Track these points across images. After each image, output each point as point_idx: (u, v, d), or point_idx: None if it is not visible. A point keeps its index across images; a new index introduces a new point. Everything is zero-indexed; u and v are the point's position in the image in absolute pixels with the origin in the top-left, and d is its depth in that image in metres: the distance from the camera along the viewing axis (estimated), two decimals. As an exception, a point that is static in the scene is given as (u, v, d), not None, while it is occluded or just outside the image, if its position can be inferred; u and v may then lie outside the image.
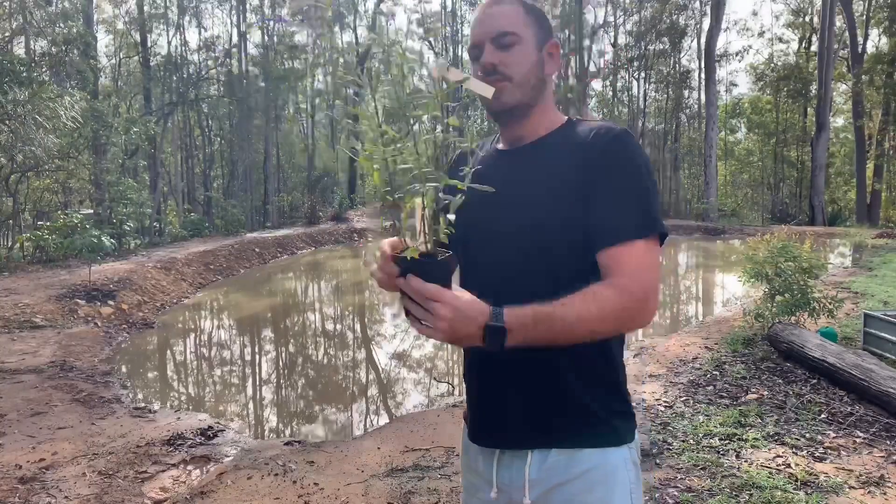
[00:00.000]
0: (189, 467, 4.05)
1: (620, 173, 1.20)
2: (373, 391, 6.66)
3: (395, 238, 1.14)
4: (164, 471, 3.95)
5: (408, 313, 1.07)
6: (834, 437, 3.89)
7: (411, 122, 1.08)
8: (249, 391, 6.69)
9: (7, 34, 14.65)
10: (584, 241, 1.20)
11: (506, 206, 1.27)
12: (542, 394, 1.24)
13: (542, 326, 1.08)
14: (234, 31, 25.57)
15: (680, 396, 4.80)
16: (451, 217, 1.08)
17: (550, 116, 1.33)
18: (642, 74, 31.59)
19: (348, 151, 1.12)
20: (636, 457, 1.28)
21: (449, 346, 8.41)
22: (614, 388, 1.27)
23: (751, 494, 3.17)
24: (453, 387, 6.30)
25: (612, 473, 1.23)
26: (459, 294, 1.05)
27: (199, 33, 39.03)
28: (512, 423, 1.27)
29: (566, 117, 1.34)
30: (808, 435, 3.94)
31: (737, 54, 51.85)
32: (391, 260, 1.07)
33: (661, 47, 30.40)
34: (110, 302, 8.97)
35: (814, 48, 28.85)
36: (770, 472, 3.41)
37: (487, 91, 1.18)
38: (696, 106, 32.23)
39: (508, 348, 1.07)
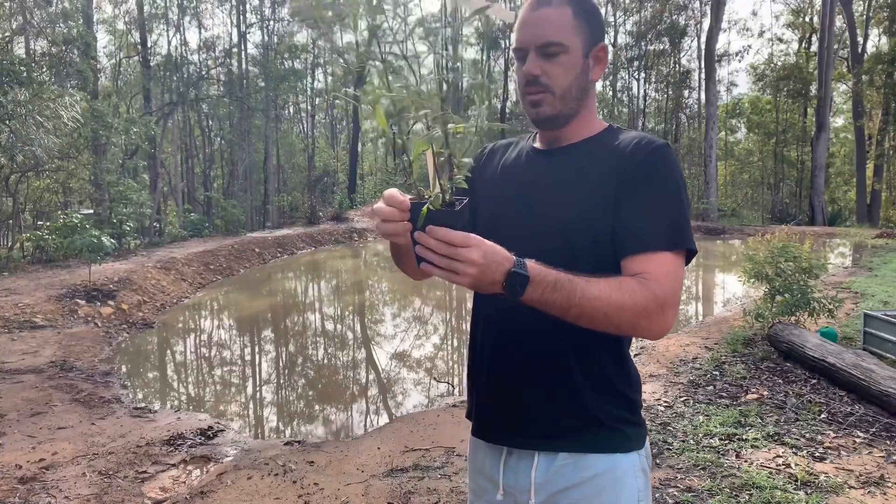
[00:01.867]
0: (189, 467, 4.05)
1: (657, 184, 1.20)
2: (373, 391, 6.66)
3: (395, 189, 1.10)
4: (164, 471, 3.95)
5: (419, 260, 1.04)
6: (834, 437, 3.89)
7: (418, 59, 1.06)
8: (249, 391, 6.69)
9: (7, 34, 14.65)
10: (608, 246, 1.21)
11: (535, 204, 1.27)
12: (551, 397, 1.24)
13: (562, 291, 1.07)
14: (234, 31, 25.59)
15: (680, 396, 4.80)
16: (467, 160, 1.05)
17: (591, 122, 1.32)
18: (642, 74, 31.61)
19: (348, 99, 1.07)
20: (645, 464, 1.27)
21: (449, 345, 8.41)
22: (625, 399, 1.26)
23: (751, 494, 3.17)
24: (453, 387, 6.30)
25: (619, 479, 1.22)
26: (483, 239, 1.04)
27: (200, 33, 39.09)
28: (520, 423, 1.27)
29: (607, 124, 1.33)
30: (808, 435, 3.94)
31: (737, 54, 52.05)
32: (406, 210, 1.04)
33: (661, 47, 30.44)
34: (110, 302, 8.97)
35: (814, 48, 28.86)
36: (770, 472, 3.41)
37: (509, 16, 1.20)
38: (696, 106, 32.25)
39: (524, 302, 1.06)
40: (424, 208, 1.01)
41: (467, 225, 1.04)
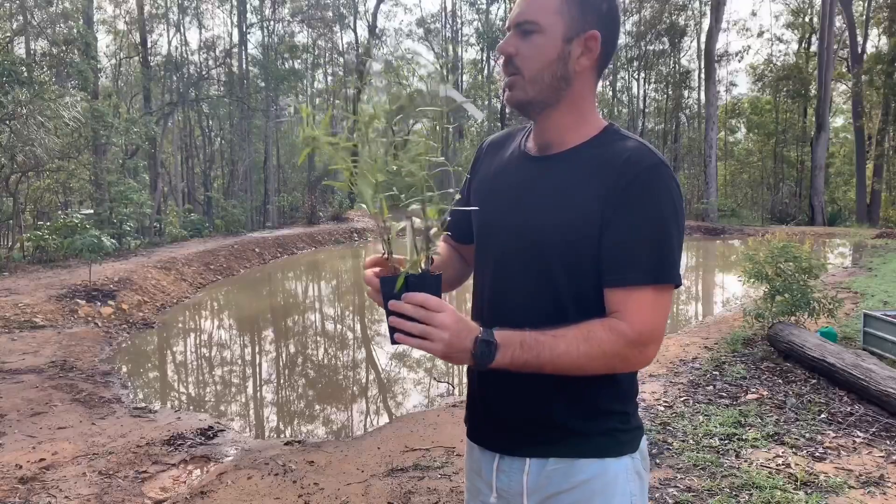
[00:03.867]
0: (189, 467, 4.05)
1: (643, 211, 1.12)
2: (373, 391, 6.66)
3: (377, 256, 1.16)
4: (164, 471, 3.95)
5: (393, 331, 1.07)
6: (834, 437, 3.89)
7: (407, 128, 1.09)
8: (249, 391, 6.69)
9: (7, 34, 14.65)
10: (588, 270, 1.16)
11: (518, 219, 1.22)
12: (532, 418, 1.23)
13: (530, 351, 1.08)
14: (235, 31, 25.59)
15: (680, 396, 4.80)
16: (439, 243, 1.13)
17: (583, 121, 1.22)
18: (642, 74, 31.62)
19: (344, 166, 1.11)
20: (640, 466, 1.25)
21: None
22: (614, 415, 1.23)
23: (751, 494, 3.17)
24: (453, 387, 6.30)
25: (611, 483, 1.20)
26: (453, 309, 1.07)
27: (200, 33, 39.08)
28: (508, 431, 1.26)
29: (605, 124, 1.23)
30: (807, 435, 3.94)
31: (737, 54, 52.10)
32: (379, 279, 1.10)
33: (661, 47, 30.45)
34: (110, 302, 8.97)
35: (813, 48, 28.87)
36: (770, 472, 3.41)
37: (478, 113, 1.18)
38: (696, 106, 32.25)
39: (495, 367, 1.07)
40: (401, 277, 1.05)
41: (440, 294, 1.08)
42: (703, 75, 26.86)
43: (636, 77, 31.76)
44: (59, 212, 14.58)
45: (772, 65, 31.48)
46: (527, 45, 1.16)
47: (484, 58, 31.27)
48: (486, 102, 30.26)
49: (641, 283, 1.12)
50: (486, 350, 1.06)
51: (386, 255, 1.12)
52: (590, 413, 1.21)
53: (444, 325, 1.03)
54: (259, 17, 25.74)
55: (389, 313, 1.06)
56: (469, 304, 1.36)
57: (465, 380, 6.63)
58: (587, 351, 1.09)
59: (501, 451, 1.27)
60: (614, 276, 1.13)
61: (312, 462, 3.97)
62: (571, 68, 1.18)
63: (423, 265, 1.08)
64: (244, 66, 24.69)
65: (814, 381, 4.90)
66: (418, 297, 1.04)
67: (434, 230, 1.10)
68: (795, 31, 31.78)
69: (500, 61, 1.21)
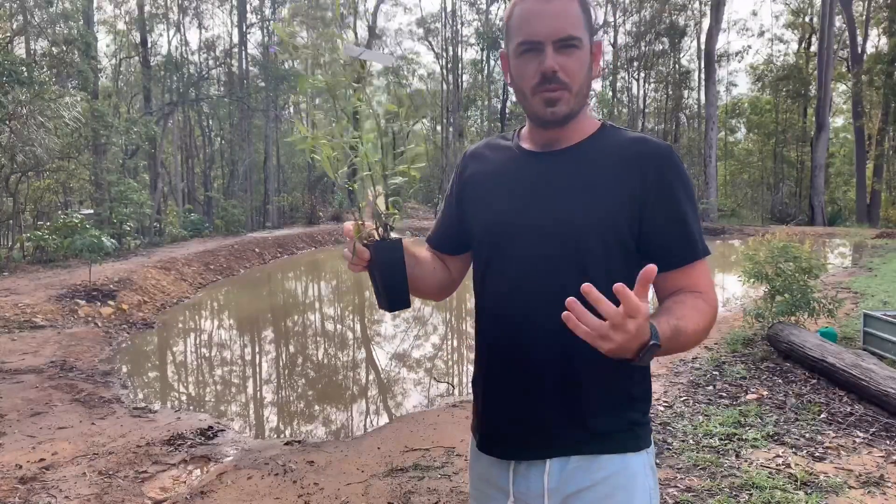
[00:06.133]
0: (189, 467, 4.05)
1: (681, 192, 1.21)
2: (373, 391, 6.66)
3: (353, 223, 1.22)
4: (164, 471, 3.95)
5: (382, 296, 1.21)
6: (834, 437, 3.89)
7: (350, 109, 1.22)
8: (249, 391, 6.69)
9: (8, 34, 14.65)
10: (622, 251, 1.19)
11: (539, 206, 1.22)
12: (564, 418, 1.21)
13: (675, 340, 1.09)
14: (235, 31, 25.59)
15: (680, 396, 4.80)
16: (399, 201, 1.22)
17: (587, 120, 1.28)
18: (642, 74, 31.63)
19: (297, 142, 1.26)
20: (653, 461, 1.27)
21: (449, 345, 8.40)
22: (639, 403, 1.24)
23: (751, 494, 3.17)
24: (453, 387, 6.30)
25: (632, 478, 1.20)
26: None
27: (200, 33, 39.08)
28: (530, 442, 1.23)
29: (600, 121, 1.30)
30: (807, 435, 3.94)
31: (737, 54, 52.14)
32: (357, 243, 1.18)
33: (661, 47, 30.47)
34: (110, 302, 8.97)
35: (813, 48, 28.88)
36: (770, 472, 3.41)
37: (387, 60, 1.27)
38: (695, 106, 32.27)
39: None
40: (355, 243, 1.18)
41: (401, 259, 1.20)
42: (703, 75, 26.88)
43: (636, 77, 31.77)
44: (59, 212, 14.57)
45: (772, 65, 31.52)
46: (571, 60, 1.20)
47: (484, 58, 31.25)
48: (486, 102, 30.25)
49: (699, 258, 1.21)
50: (650, 353, 1.01)
51: (361, 222, 1.21)
52: (618, 402, 1.22)
53: (626, 330, 0.95)
54: (259, 17, 25.75)
55: (371, 273, 1.20)
56: (469, 304, 1.35)
57: (465, 380, 6.64)
58: (704, 325, 1.15)
59: (520, 458, 1.24)
60: (677, 257, 1.20)
61: (312, 462, 3.97)
62: (591, 76, 1.26)
63: (379, 232, 1.19)
64: (244, 66, 24.69)
65: (814, 381, 4.90)
66: (632, 304, 0.93)
67: (381, 203, 1.21)
68: (795, 31, 31.81)
69: (524, 74, 1.24)
